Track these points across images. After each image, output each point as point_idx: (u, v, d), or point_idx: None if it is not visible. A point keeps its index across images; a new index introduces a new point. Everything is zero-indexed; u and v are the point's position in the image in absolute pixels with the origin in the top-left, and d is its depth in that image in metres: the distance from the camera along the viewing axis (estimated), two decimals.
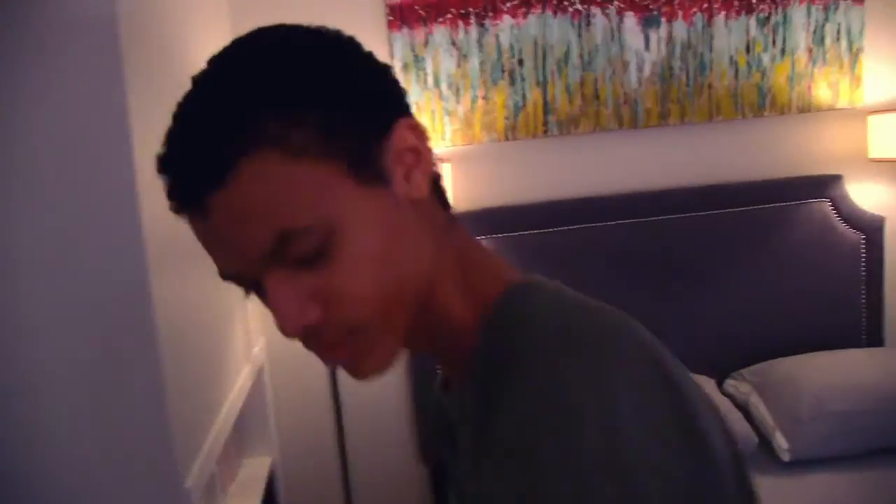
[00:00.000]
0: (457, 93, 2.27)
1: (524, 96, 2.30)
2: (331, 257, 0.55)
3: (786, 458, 2.08)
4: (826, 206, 2.48)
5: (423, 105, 2.26)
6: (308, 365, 2.34)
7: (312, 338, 0.59)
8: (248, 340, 2.06)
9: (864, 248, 2.52)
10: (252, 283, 0.59)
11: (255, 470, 2.13)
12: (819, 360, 2.29)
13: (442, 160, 2.15)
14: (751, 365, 2.37)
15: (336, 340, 0.58)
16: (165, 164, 0.56)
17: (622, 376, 0.52)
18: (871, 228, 2.51)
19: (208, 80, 0.57)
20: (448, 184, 2.18)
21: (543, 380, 0.53)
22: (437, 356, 0.69)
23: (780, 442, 2.09)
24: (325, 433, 2.41)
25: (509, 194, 2.38)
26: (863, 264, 2.52)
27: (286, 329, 0.56)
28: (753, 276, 2.45)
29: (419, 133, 0.61)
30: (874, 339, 2.55)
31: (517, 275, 0.67)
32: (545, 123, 2.32)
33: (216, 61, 0.58)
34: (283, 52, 0.57)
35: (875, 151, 2.45)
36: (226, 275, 0.59)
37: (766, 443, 2.15)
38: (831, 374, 2.19)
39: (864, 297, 2.54)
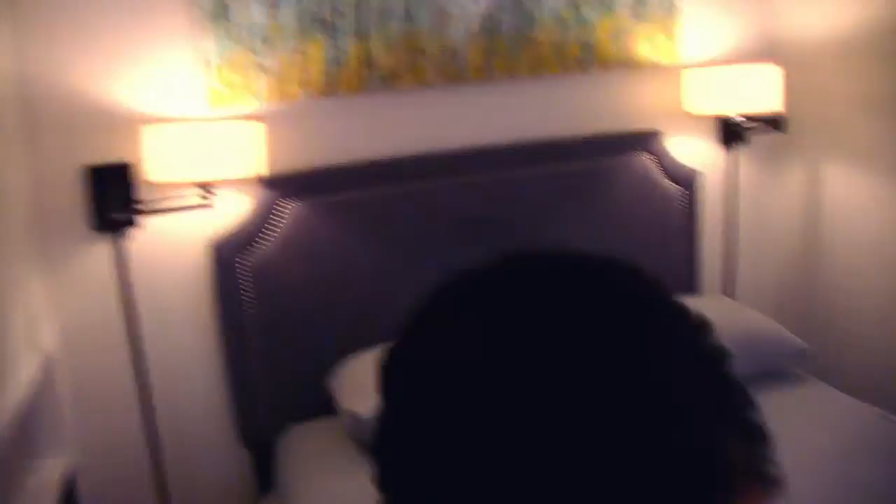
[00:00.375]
0: (270, 46, 2.08)
1: (343, 50, 2.15)
2: None
3: None
4: (647, 160, 2.53)
5: (234, 60, 2.05)
6: (110, 353, 2.12)
7: None
8: (31, 327, 1.80)
9: (683, 201, 2.59)
10: None
11: (47, 474, 1.89)
12: None
13: (256, 119, 1.96)
14: None
15: None
16: None
17: None
18: (689, 181, 2.59)
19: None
20: (261, 148, 2.00)
21: None
22: None
23: None
24: (133, 427, 2.17)
25: (329, 154, 2.23)
26: (683, 216, 2.60)
27: None
28: (580, 229, 2.45)
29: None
30: (692, 285, 2.66)
31: None
32: (366, 78, 2.18)
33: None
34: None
35: (690, 106, 2.51)
36: None
37: None
38: None
39: (683, 246, 2.63)
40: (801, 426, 2.03)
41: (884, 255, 2.51)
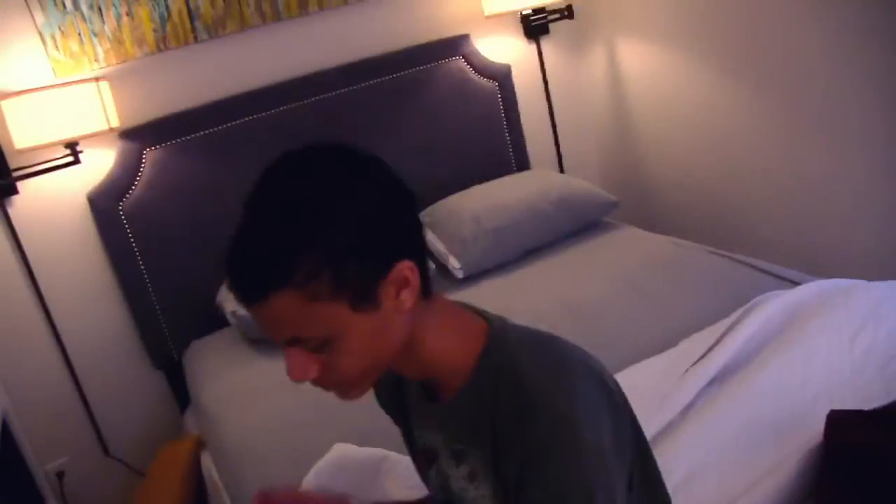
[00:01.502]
0: (99, 13, 2.32)
1: (167, 7, 2.39)
2: (330, 351, 0.84)
3: (460, 275, 2.49)
4: (461, 62, 2.88)
5: (67, 30, 2.28)
6: (18, 309, 2.39)
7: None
8: None
9: (499, 94, 2.97)
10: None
11: None
12: (475, 191, 2.73)
13: (99, 80, 2.23)
14: (423, 210, 2.75)
15: (328, 389, 0.90)
16: (228, 273, 0.82)
17: (583, 398, 0.85)
18: (502, 76, 2.95)
19: (259, 221, 0.81)
20: (110, 104, 2.26)
21: (545, 401, 0.84)
22: (426, 379, 0.97)
23: (454, 263, 2.50)
24: (53, 370, 2.47)
25: (174, 102, 2.49)
26: (501, 107, 2.98)
27: (292, 377, 0.86)
28: (411, 135, 2.80)
29: (413, 268, 0.85)
30: (523, 166, 3.05)
31: (482, 319, 0.95)
32: (193, 30, 2.44)
33: (263, 202, 0.82)
34: (314, 208, 0.79)
35: (488, 9, 2.87)
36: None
37: (443, 268, 2.56)
38: (485, 198, 2.63)
39: (507, 133, 3.01)
40: (609, 257, 2.47)
41: (676, 112, 2.94)
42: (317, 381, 0.88)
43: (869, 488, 1.22)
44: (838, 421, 1.33)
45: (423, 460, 1.06)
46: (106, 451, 2.58)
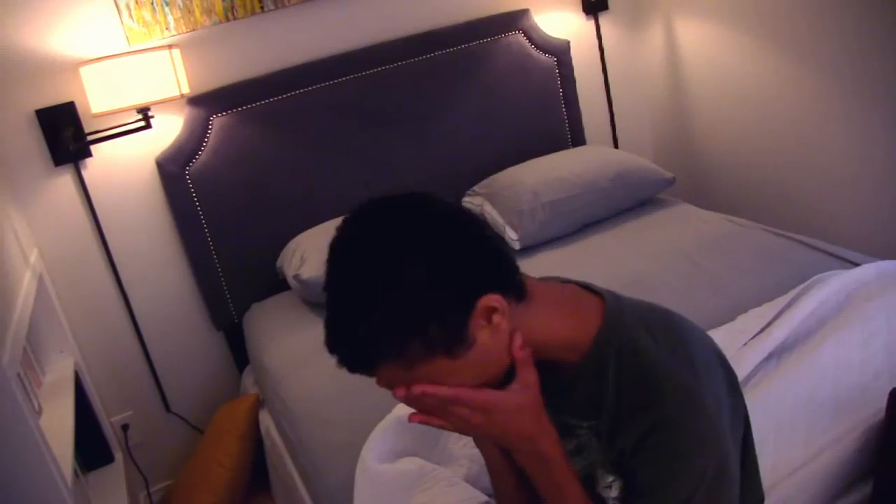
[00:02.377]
0: None
1: None
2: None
3: (516, 247, 2.53)
4: (520, 37, 2.89)
5: (142, 0, 2.36)
6: (88, 266, 2.49)
7: None
8: (22, 249, 2.16)
9: (557, 70, 2.98)
10: None
11: (60, 372, 2.23)
12: (533, 164, 2.75)
13: (171, 47, 2.29)
14: (480, 181, 2.79)
15: None
16: (333, 350, 0.87)
17: (703, 369, 0.91)
18: (560, 51, 2.96)
19: (345, 305, 0.85)
20: (181, 70, 2.33)
21: (668, 376, 0.88)
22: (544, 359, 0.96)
23: (511, 234, 2.53)
24: (119, 326, 2.57)
25: (241, 70, 2.55)
26: (559, 82, 2.99)
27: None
28: (470, 108, 2.83)
29: (497, 297, 0.86)
30: (578, 141, 3.06)
31: (594, 295, 0.99)
32: (260, 0, 2.50)
33: (345, 282, 0.86)
34: (393, 288, 0.82)
35: None
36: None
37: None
38: (542, 172, 2.65)
39: (564, 109, 3.02)
40: (665, 234, 2.48)
41: (733, 91, 2.91)
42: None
43: None
44: None
45: None
46: (167, 407, 2.68)
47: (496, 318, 0.86)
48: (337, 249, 0.87)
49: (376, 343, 0.84)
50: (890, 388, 1.36)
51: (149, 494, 2.69)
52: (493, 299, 0.85)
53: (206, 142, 2.49)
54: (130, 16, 2.35)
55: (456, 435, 1.54)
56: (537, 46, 2.92)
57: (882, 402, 1.35)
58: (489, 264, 0.88)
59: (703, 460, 0.88)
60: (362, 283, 0.84)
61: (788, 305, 1.76)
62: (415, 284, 0.82)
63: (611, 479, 0.96)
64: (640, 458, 0.90)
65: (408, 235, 0.84)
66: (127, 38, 2.36)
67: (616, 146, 3.23)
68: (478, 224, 0.90)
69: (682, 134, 3.25)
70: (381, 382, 0.88)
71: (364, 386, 1.89)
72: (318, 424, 1.88)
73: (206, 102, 2.49)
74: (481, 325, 0.86)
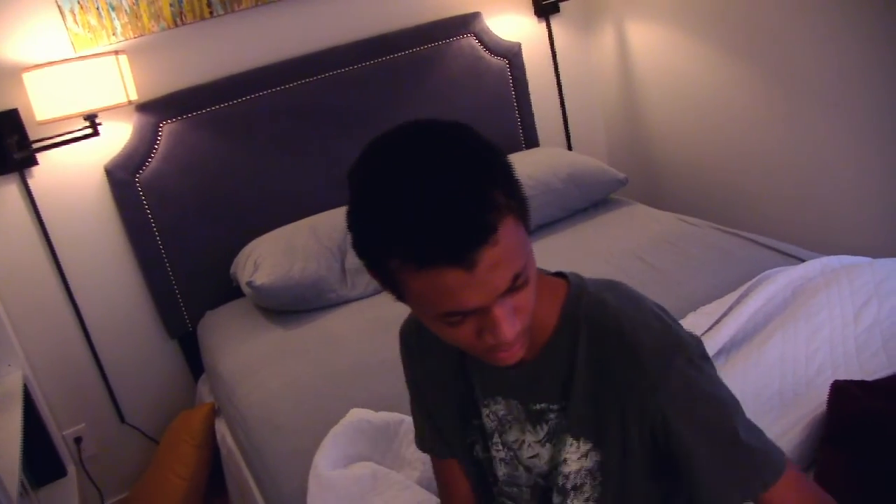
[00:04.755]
0: None
1: None
2: (526, 288, 0.83)
3: None
4: (472, 40, 2.91)
5: (86, 4, 2.30)
6: (38, 276, 2.44)
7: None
8: None
9: (509, 72, 2.99)
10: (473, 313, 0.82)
11: (7, 386, 2.21)
12: None
13: (118, 53, 2.26)
14: None
15: (515, 342, 0.86)
16: (435, 228, 0.74)
17: (674, 321, 0.94)
18: (512, 54, 2.98)
19: (449, 166, 0.76)
20: (128, 76, 2.30)
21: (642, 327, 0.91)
22: None
23: None
24: (71, 337, 2.52)
25: (190, 76, 2.53)
26: (511, 85, 3.01)
27: (507, 338, 0.82)
28: (424, 110, 2.82)
29: None
30: (532, 143, 3.09)
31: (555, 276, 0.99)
32: (209, 5, 2.47)
33: (437, 153, 0.77)
34: (482, 145, 0.80)
35: None
36: (466, 312, 0.81)
37: None
38: None
39: (517, 112, 3.04)
40: (617, 234, 2.51)
41: (684, 92, 2.96)
42: (518, 336, 0.86)
43: (869, 455, 1.27)
44: (841, 391, 1.37)
45: (481, 440, 1.08)
46: (122, 418, 2.64)
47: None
48: (415, 136, 0.81)
49: (498, 181, 0.78)
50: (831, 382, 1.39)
51: None
52: None
53: (156, 148, 2.46)
54: (75, 21, 2.31)
55: (409, 439, 1.55)
56: (489, 49, 2.93)
57: (825, 396, 1.38)
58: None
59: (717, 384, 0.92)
60: (464, 145, 0.79)
61: (737, 302, 1.79)
62: (500, 153, 0.82)
63: (576, 443, 0.97)
64: (670, 427, 0.90)
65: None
66: (72, 44, 2.32)
67: (569, 148, 3.25)
68: None
69: (634, 135, 3.29)
70: (497, 252, 0.77)
71: (319, 392, 1.92)
72: (272, 431, 1.86)
73: (155, 109, 2.46)
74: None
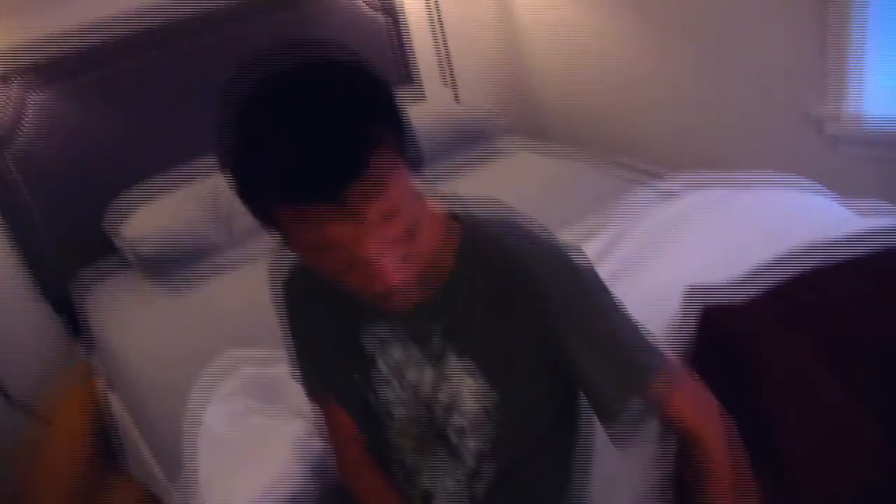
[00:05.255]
0: None
1: None
2: (412, 233, 0.82)
3: None
4: None
5: None
6: None
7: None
8: None
9: (391, 26, 2.98)
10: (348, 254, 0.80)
11: None
12: None
13: None
14: None
15: (404, 287, 0.84)
16: (303, 165, 0.73)
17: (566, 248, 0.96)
18: (391, 7, 2.95)
19: (324, 94, 0.74)
20: None
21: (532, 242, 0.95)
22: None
23: None
24: None
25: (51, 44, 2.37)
26: (394, 38, 2.99)
27: (391, 283, 0.81)
28: None
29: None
30: (416, 96, 3.05)
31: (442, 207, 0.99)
32: None
33: (309, 82, 0.75)
34: (368, 75, 0.78)
35: None
36: (351, 255, 0.80)
37: None
38: None
39: (400, 64, 3.04)
40: (505, 183, 2.55)
41: (563, 33, 3.07)
42: (404, 282, 0.85)
43: (733, 374, 1.34)
44: (711, 315, 1.45)
45: (381, 384, 1.07)
46: (7, 396, 2.52)
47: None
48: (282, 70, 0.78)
49: (372, 111, 0.77)
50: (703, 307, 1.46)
51: None
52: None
53: (23, 121, 2.33)
54: None
55: (297, 387, 1.54)
56: (368, 4, 2.90)
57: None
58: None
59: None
60: (335, 72, 0.77)
61: (616, 236, 1.85)
62: (376, 77, 0.80)
63: (473, 382, 0.98)
64: (558, 328, 0.93)
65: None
66: None
67: (456, 98, 3.25)
68: None
69: (517, 77, 3.40)
70: (368, 185, 0.75)
71: (205, 350, 1.87)
72: (159, 394, 1.84)
73: (17, 78, 2.32)
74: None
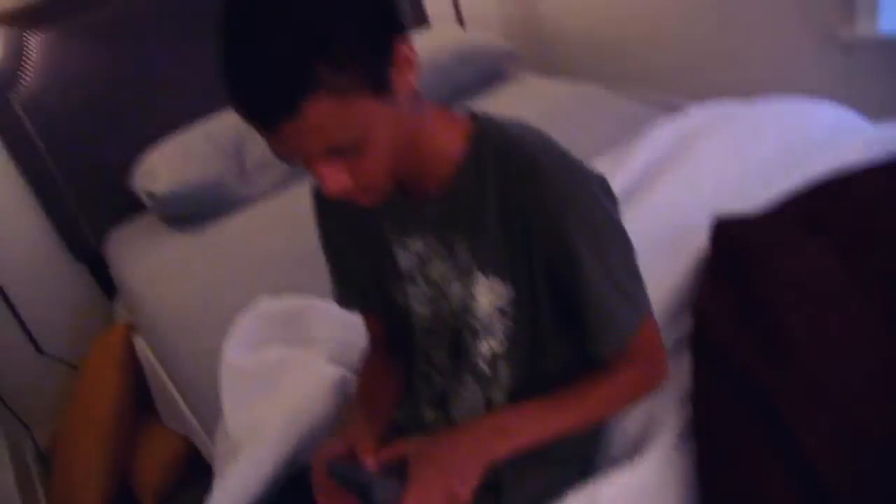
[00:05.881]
0: None
1: None
2: (360, 154, 0.82)
3: None
4: None
5: None
6: None
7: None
8: None
9: None
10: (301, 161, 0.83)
11: None
12: None
13: None
14: None
15: (354, 198, 0.88)
16: (244, 93, 0.76)
17: (581, 163, 0.94)
18: None
19: (264, 27, 0.74)
20: None
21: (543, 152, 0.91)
22: (412, 178, 0.95)
23: None
24: None
25: None
26: None
27: (330, 191, 0.84)
28: None
29: (410, 44, 0.82)
30: (421, 22, 3.01)
31: (463, 111, 0.98)
32: None
33: (257, 10, 0.75)
34: (314, 4, 0.74)
35: None
36: (281, 158, 0.84)
37: None
38: None
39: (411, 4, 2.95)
40: (512, 107, 2.52)
41: None
42: (348, 192, 0.86)
43: (746, 283, 1.33)
44: (723, 226, 1.43)
45: (405, 283, 1.07)
46: (39, 349, 2.58)
47: (411, 75, 0.83)
48: None
49: (316, 54, 0.74)
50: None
51: (33, 441, 2.62)
52: (407, 46, 0.82)
53: (25, 62, 2.30)
54: None
55: (317, 318, 1.56)
56: None
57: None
58: (399, 11, 0.83)
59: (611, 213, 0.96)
60: (288, 4, 0.75)
61: (625, 154, 1.82)
62: (346, 4, 0.77)
63: (486, 279, 0.98)
64: (559, 251, 0.92)
65: None
66: None
67: (461, 24, 3.19)
68: None
69: (527, 16, 3.29)
70: (301, 128, 0.77)
71: (227, 290, 1.89)
72: (187, 338, 1.86)
73: (17, 19, 2.28)
74: (400, 79, 0.82)
